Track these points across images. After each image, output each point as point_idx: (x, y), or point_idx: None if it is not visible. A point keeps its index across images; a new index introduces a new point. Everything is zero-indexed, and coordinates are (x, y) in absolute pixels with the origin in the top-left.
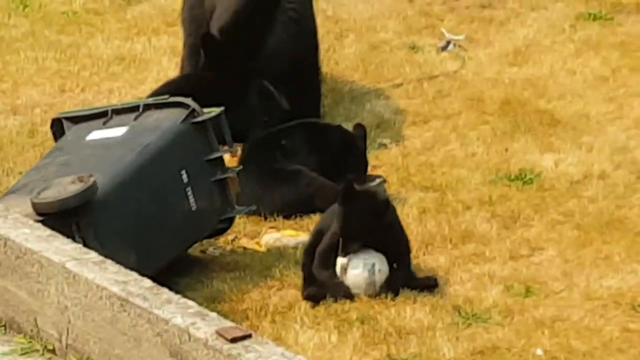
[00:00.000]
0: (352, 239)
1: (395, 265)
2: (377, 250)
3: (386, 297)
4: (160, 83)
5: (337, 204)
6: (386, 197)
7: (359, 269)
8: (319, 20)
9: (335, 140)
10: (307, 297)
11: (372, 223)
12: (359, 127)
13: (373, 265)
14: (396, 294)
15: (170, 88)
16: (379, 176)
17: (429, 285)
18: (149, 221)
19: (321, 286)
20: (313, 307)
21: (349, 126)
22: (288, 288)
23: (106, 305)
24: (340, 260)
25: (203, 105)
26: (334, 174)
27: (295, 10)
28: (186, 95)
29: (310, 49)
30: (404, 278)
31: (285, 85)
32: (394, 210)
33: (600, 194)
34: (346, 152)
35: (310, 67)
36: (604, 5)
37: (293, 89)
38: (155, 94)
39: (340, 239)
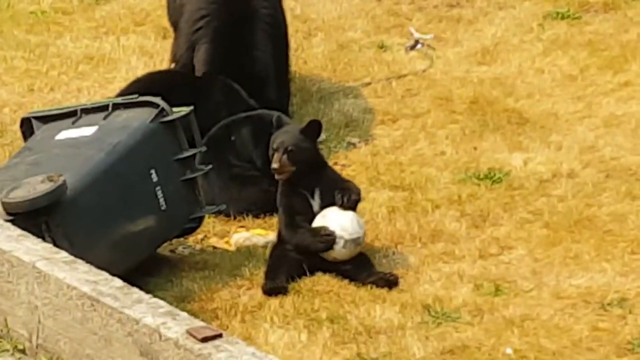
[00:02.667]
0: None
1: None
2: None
3: (356, 295)
4: (129, 82)
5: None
6: (316, 120)
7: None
8: (287, 19)
9: None
10: (266, 292)
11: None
12: (312, 123)
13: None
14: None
15: (137, 87)
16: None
17: (390, 281)
18: (119, 220)
19: (301, 244)
20: (282, 305)
21: None
22: (258, 287)
23: (77, 305)
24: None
25: (169, 104)
26: None
27: (270, 15)
28: (153, 94)
29: (283, 49)
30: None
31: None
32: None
33: (569, 192)
34: None
35: (283, 68)
36: (571, 4)
37: (270, 90)
38: (122, 93)
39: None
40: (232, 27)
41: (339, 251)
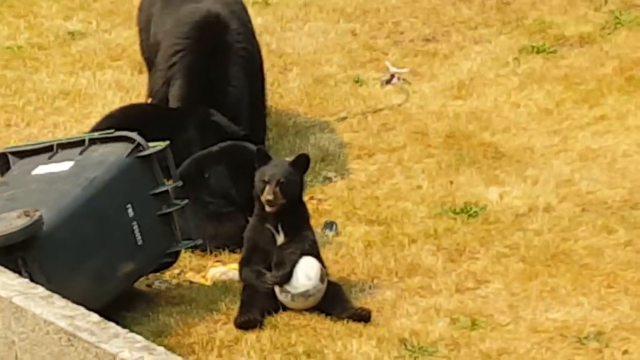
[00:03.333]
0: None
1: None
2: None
3: (332, 329)
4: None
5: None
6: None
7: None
8: (263, 53)
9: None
10: (238, 325)
11: None
12: (301, 157)
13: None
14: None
15: (111, 122)
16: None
17: (362, 316)
18: (96, 255)
19: (247, 282)
20: (259, 340)
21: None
22: (234, 324)
23: (54, 340)
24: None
25: (144, 138)
26: None
27: (245, 49)
28: (127, 129)
29: (258, 83)
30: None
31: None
32: None
33: (546, 226)
34: None
35: (258, 101)
36: (547, 39)
37: (242, 124)
38: (96, 128)
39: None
40: (206, 62)
41: (289, 302)
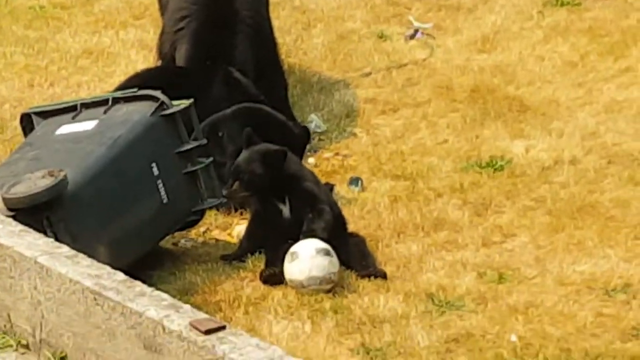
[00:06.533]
0: (252, 182)
1: (310, 215)
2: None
3: (359, 285)
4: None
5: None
6: (281, 149)
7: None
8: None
9: (275, 134)
10: (264, 280)
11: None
12: (277, 152)
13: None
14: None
15: (136, 81)
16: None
17: (377, 275)
18: (121, 214)
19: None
20: (286, 297)
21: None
22: (259, 279)
23: (79, 300)
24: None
25: (170, 97)
26: None
27: (252, 17)
28: (152, 88)
29: (270, 50)
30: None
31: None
32: (296, 163)
33: (572, 179)
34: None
35: (273, 67)
36: None
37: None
38: (120, 87)
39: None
40: (213, 30)
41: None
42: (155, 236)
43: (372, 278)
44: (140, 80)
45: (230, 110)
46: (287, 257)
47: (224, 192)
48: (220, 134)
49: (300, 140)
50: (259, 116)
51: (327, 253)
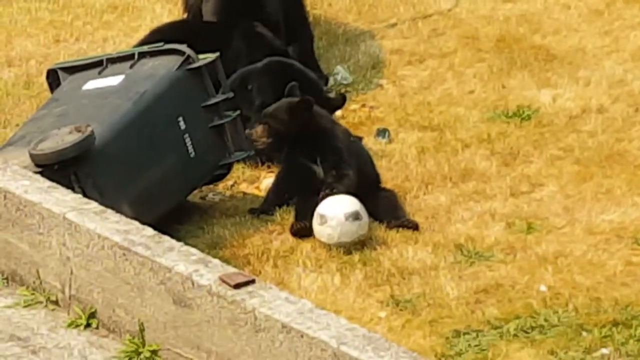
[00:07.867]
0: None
1: (332, 177)
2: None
3: (388, 237)
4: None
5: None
6: (307, 99)
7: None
8: None
9: (307, 92)
10: (293, 233)
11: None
12: (302, 101)
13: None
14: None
15: (159, 36)
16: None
17: (409, 227)
18: (148, 169)
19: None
20: (314, 249)
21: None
22: (289, 232)
23: (108, 255)
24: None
25: (194, 51)
26: None
27: None
28: (175, 42)
29: (296, 2)
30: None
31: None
32: (328, 120)
33: (599, 128)
34: None
35: (299, 19)
36: None
37: (280, 38)
38: (143, 42)
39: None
40: None
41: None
42: (182, 190)
43: (402, 229)
44: (162, 35)
45: (261, 63)
46: (316, 218)
47: (247, 132)
48: (249, 87)
49: (334, 103)
50: (291, 72)
51: (356, 217)
